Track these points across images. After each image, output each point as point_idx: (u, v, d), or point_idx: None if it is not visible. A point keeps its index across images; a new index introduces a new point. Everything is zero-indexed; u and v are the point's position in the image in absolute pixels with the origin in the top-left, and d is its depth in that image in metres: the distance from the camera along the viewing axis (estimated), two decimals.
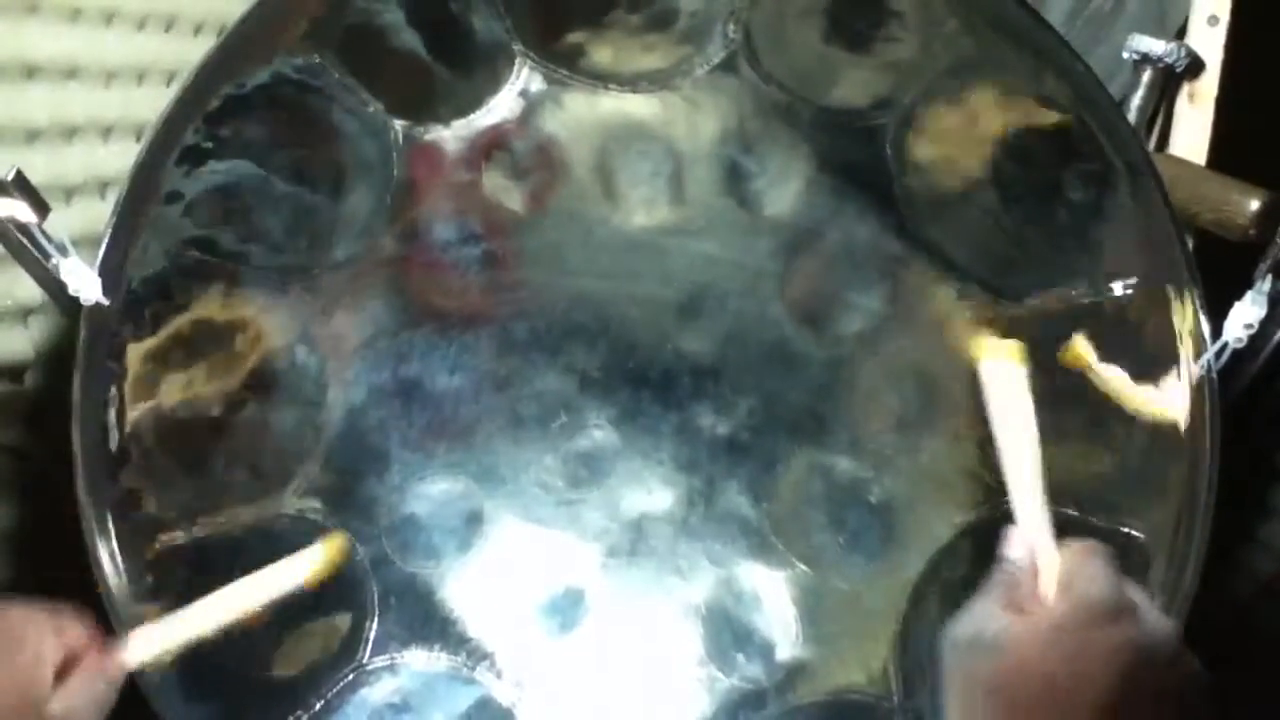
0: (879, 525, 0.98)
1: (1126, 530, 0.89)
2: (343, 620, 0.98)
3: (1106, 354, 0.90)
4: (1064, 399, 0.90)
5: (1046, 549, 0.72)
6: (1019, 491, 0.76)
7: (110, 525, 0.90)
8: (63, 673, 0.72)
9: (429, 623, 0.99)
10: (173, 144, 0.90)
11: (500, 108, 1.00)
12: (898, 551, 0.98)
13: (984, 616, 0.68)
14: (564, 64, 0.99)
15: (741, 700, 0.98)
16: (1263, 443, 0.99)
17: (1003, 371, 0.79)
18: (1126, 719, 0.62)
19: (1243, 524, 1.01)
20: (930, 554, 0.96)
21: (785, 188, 1.00)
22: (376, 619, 0.98)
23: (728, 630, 1.00)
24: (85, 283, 0.86)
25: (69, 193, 0.99)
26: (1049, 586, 0.69)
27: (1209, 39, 1.11)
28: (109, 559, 0.89)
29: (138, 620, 0.87)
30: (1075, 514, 0.91)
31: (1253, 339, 0.78)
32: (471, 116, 1.00)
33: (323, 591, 0.97)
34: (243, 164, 0.94)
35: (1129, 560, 0.87)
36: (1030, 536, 0.73)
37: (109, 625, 0.87)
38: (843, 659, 0.98)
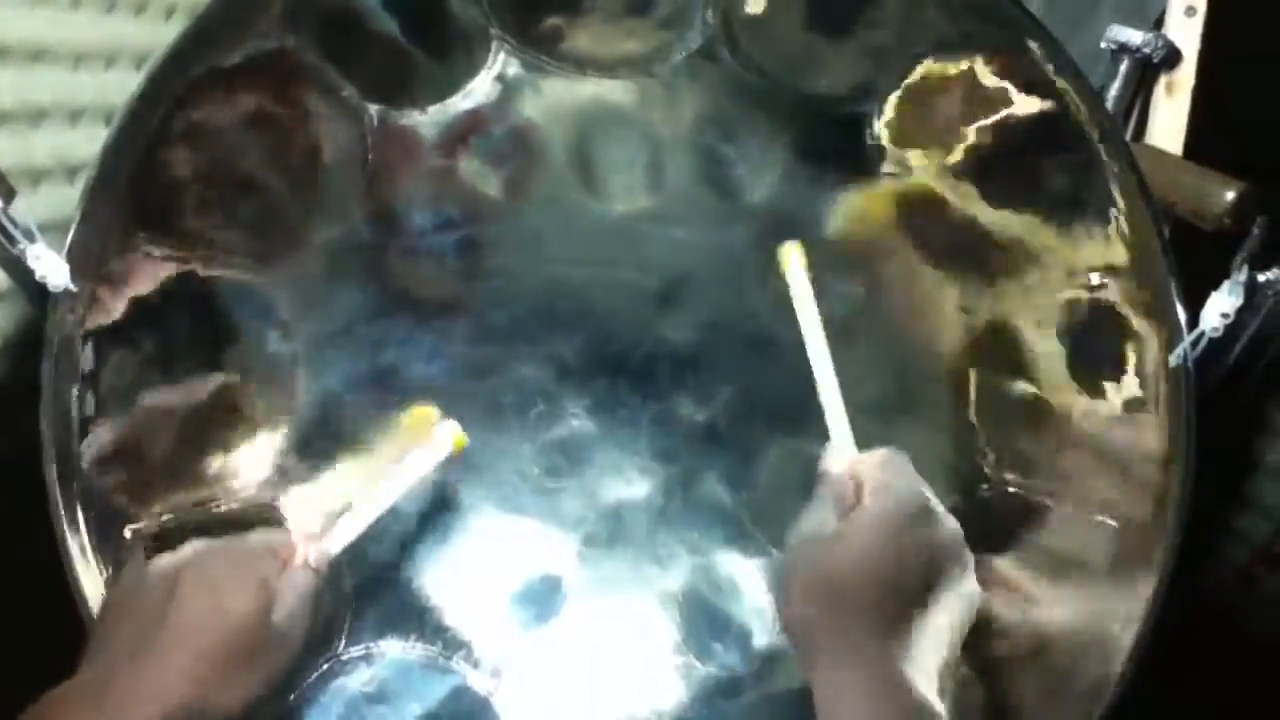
0: None
1: (1100, 519, 0.89)
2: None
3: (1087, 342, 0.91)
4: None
5: (859, 459, 0.84)
6: (829, 407, 0.88)
7: (80, 516, 0.88)
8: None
9: (405, 612, 0.99)
10: (142, 128, 0.88)
11: (477, 93, 0.99)
12: None
13: (818, 521, 0.80)
14: (542, 49, 0.98)
15: (718, 688, 0.98)
16: (1238, 433, 1.00)
17: (797, 276, 0.92)
18: (934, 605, 0.75)
19: (1219, 514, 1.02)
20: None
21: (765, 175, 1.00)
22: (352, 608, 0.97)
23: (705, 618, 1.00)
24: (53, 269, 0.84)
25: (36, 177, 0.97)
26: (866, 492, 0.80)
27: (1187, 29, 1.11)
28: (79, 550, 0.88)
29: None
30: (1048, 503, 0.92)
31: (1229, 329, 0.79)
32: (448, 101, 0.99)
33: None
34: (214, 149, 0.93)
35: (1109, 550, 0.87)
36: (844, 449, 0.86)
37: (79, 616, 0.87)
38: None
